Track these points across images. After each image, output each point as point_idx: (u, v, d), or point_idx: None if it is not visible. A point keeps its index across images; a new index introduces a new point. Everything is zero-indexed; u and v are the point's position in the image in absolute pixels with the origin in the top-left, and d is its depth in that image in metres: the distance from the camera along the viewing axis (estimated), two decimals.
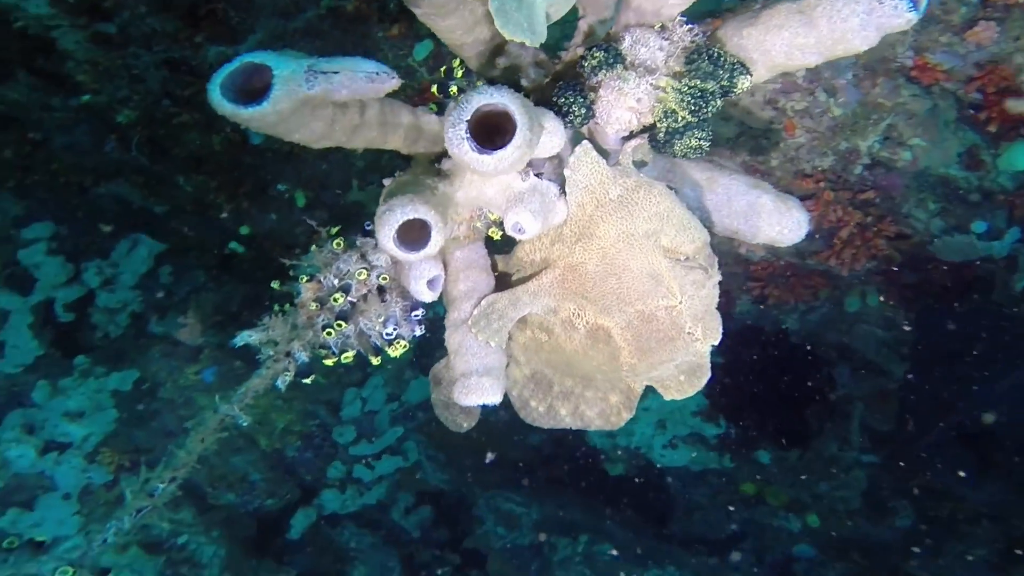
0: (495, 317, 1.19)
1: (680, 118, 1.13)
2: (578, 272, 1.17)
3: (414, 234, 1.01)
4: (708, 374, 1.20)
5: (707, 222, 1.48)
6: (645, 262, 1.13)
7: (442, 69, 1.35)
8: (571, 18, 1.30)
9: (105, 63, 3.65)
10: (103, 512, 4.90)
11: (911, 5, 1.00)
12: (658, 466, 5.28)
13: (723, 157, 3.02)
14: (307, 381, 1.09)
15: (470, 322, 1.19)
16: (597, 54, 1.11)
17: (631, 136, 1.26)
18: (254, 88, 0.84)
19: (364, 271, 1.14)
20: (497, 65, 1.22)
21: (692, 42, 1.16)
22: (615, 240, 1.14)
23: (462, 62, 1.30)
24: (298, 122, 0.85)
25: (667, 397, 1.25)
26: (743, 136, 2.85)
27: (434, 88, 1.30)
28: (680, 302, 1.14)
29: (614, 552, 5.34)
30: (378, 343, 1.20)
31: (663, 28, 1.17)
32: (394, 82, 0.89)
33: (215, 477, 5.14)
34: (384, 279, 1.15)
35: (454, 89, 1.28)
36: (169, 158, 4.18)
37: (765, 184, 1.46)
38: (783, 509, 5.26)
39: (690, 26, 1.17)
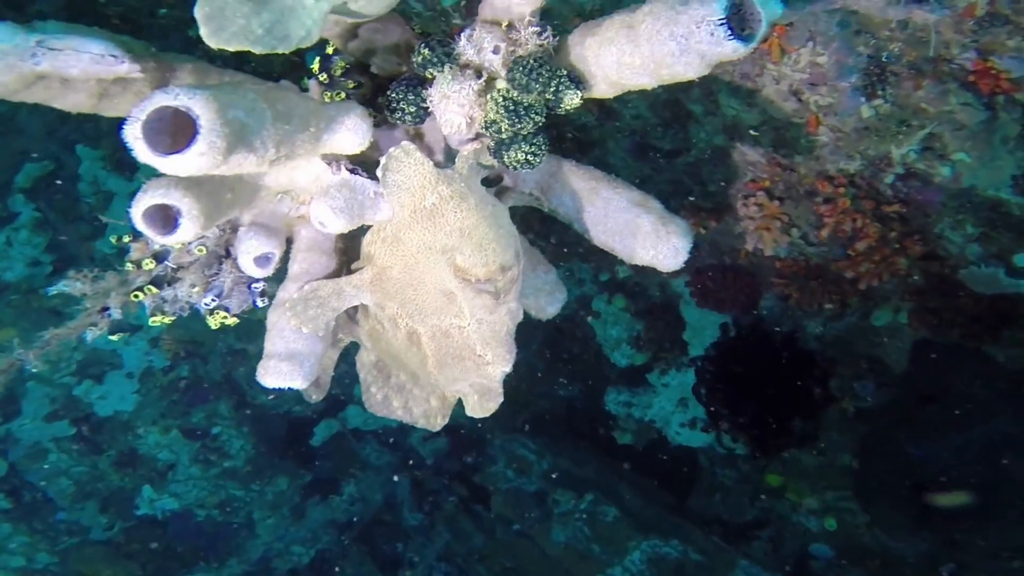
0: (314, 304, 1.20)
1: (502, 129, 1.05)
2: (387, 275, 1.15)
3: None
4: (500, 398, 1.16)
5: (585, 235, 1.40)
6: (438, 278, 1.09)
7: (327, 46, 1.32)
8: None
9: None
10: (157, 394, 5.42)
11: (729, 34, 0.87)
12: (672, 445, 5.19)
13: (746, 146, 2.79)
14: (114, 338, 1.15)
15: (287, 305, 1.20)
16: (424, 51, 1.04)
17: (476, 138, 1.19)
18: None
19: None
20: (349, 49, 1.17)
21: (539, 46, 1.06)
22: (416, 250, 1.10)
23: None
24: (50, 94, 0.87)
25: (468, 413, 1.23)
26: (766, 126, 2.60)
27: (314, 65, 1.27)
28: (467, 324, 1.09)
29: (618, 515, 5.36)
30: (201, 311, 1.24)
31: (510, 27, 1.08)
32: (124, 67, 0.88)
33: (253, 377, 5.53)
34: (201, 250, 1.18)
35: (315, 66, 1.25)
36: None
37: (652, 203, 1.36)
38: (803, 506, 5.11)
39: (537, 28, 1.07)
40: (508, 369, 1.13)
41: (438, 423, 1.32)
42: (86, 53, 0.85)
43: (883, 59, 2.24)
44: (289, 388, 1.20)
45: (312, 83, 1.22)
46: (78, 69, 0.84)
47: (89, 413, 5.20)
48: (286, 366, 1.16)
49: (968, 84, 2.28)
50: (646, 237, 1.28)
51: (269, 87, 0.97)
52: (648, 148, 3.07)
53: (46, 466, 5.16)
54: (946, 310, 2.73)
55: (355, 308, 1.40)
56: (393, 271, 1.14)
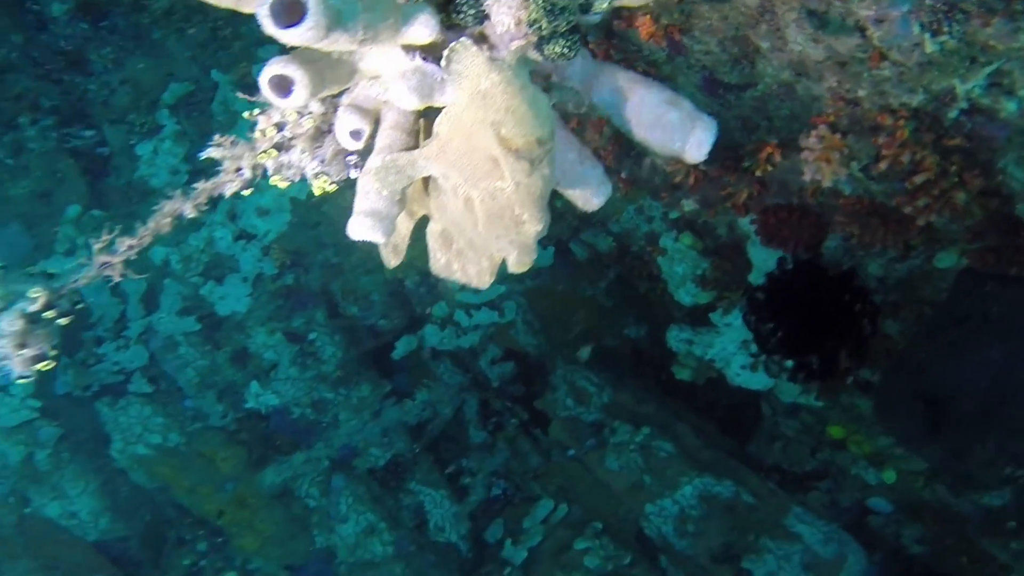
0: (393, 171, 1.50)
1: (542, 27, 1.30)
2: (449, 147, 1.43)
3: None
4: (534, 254, 1.44)
5: (622, 128, 1.64)
6: (488, 146, 1.36)
7: None
8: None
9: None
10: (266, 298, 5.96)
11: None
12: (732, 385, 5.24)
13: (810, 80, 2.86)
14: (246, 193, 1.49)
15: (372, 170, 1.51)
16: None
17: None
18: None
19: (296, 113, 1.50)
20: None
21: None
22: (471, 124, 1.38)
23: None
24: None
25: (509, 269, 1.51)
26: (830, 60, 2.67)
27: None
28: (508, 186, 1.37)
29: (673, 451, 5.48)
30: (308, 175, 1.57)
31: None
32: None
33: (346, 290, 6.01)
34: (311, 122, 1.50)
35: None
36: None
37: (682, 102, 1.58)
38: (864, 459, 5.11)
39: None
40: (540, 228, 1.40)
41: (487, 280, 1.62)
42: None
43: None
44: (370, 242, 1.52)
45: None
46: None
47: (211, 312, 5.81)
48: (369, 221, 1.48)
49: None
50: (674, 130, 1.50)
51: None
52: (718, 84, 3.18)
53: (177, 357, 5.81)
54: (1006, 249, 2.75)
55: (426, 183, 1.71)
56: (454, 143, 1.43)
